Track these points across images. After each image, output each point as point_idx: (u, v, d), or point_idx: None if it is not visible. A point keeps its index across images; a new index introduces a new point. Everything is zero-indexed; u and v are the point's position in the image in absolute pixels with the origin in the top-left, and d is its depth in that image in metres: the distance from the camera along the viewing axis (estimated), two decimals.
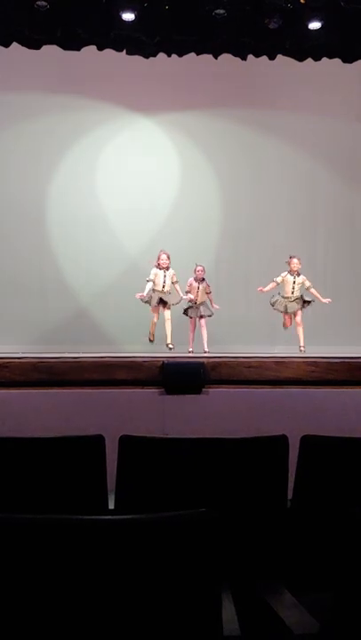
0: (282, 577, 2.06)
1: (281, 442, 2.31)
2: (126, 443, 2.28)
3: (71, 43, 6.51)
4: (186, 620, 1.47)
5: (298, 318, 6.54)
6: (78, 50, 6.58)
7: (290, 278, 6.57)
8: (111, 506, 2.30)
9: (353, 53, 6.83)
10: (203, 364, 4.21)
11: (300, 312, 6.52)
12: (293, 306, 6.54)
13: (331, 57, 6.85)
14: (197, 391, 4.09)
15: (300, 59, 6.82)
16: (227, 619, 1.62)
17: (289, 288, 6.58)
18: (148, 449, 2.33)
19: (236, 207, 7.58)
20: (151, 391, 4.11)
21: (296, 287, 6.52)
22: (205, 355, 5.54)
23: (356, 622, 1.47)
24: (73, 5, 6.00)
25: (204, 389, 4.12)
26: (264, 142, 7.59)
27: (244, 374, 4.23)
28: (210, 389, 4.14)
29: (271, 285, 6.58)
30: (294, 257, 6.65)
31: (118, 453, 2.28)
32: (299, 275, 6.57)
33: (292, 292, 6.55)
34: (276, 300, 6.63)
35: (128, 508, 2.24)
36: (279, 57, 6.72)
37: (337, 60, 6.93)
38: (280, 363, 4.31)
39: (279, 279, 6.56)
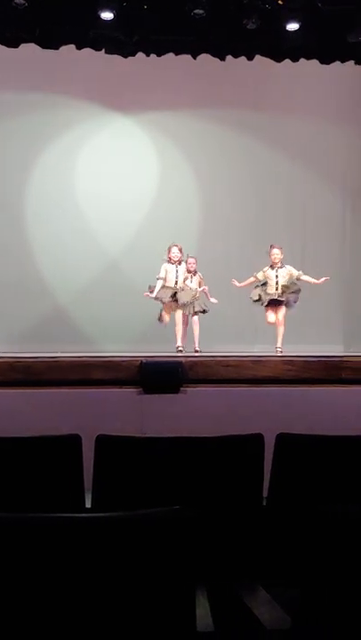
0: (256, 574, 2.09)
1: (257, 440, 2.34)
2: (103, 442, 2.29)
3: (50, 41, 6.48)
4: (160, 616, 1.48)
5: (280, 316, 5.99)
6: (57, 49, 6.56)
7: (271, 273, 5.97)
8: (88, 505, 2.31)
9: (330, 55, 6.90)
10: (181, 363, 4.23)
11: (283, 309, 5.99)
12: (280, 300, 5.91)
13: (308, 58, 6.91)
14: (175, 390, 4.11)
15: (278, 59, 6.86)
16: (201, 615, 1.64)
17: (272, 284, 5.97)
18: (125, 448, 2.34)
19: (215, 207, 7.60)
20: (129, 391, 4.12)
21: (281, 282, 5.92)
22: (185, 354, 5.54)
23: (322, 616, 1.50)
24: (52, 4, 5.97)
25: (182, 389, 4.13)
26: (243, 143, 7.62)
27: (222, 373, 4.26)
28: (188, 388, 4.15)
29: (249, 281, 6.09)
30: (275, 246, 6.02)
31: (95, 453, 2.29)
32: (282, 267, 5.99)
33: (277, 289, 5.95)
34: (260, 296, 6.03)
35: (105, 506, 2.24)
36: (257, 57, 6.76)
37: (315, 61, 7.00)
38: (257, 362, 4.35)
39: (260, 274, 6.01)
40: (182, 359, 4.26)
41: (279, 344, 5.98)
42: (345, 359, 4.59)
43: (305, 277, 6.07)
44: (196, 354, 5.55)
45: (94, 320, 7.23)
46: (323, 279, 6.05)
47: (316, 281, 6.06)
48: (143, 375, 4.12)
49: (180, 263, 5.92)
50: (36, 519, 1.48)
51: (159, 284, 5.92)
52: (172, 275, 5.89)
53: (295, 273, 6.02)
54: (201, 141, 7.62)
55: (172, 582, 1.51)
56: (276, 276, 5.96)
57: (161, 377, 4.11)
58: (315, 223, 7.70)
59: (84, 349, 5.97)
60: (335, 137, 7.65)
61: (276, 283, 5.97)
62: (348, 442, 2.44)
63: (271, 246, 6.06)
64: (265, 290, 6.03)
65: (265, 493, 2.38)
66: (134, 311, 7.12)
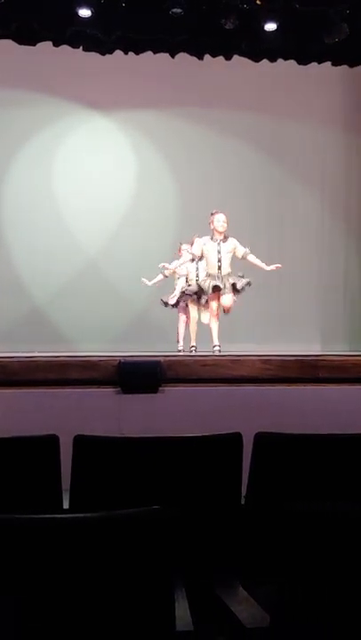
0: (235, 573, 2.09)
1: (235, 439, 2.34)
2: (81, 442, 2.27)
3: (26, 37, 6.43)
4: (139, 616, 1.48)
5: (227, 302, 4.88)
6: (34, 45, 6.51)
7: (212, 246, 4.83)
8: (66, 505, 2.30)
9: (308, 55, 6.94)
10: (159, 362, 4.22)
11: (231, 297, 4.91)
12: (224, 286, 4.75)
13: (286, 58, 6.96)
14: (154, 390, 4.10)
15: (256, 59, 6.89)
16: (180, 614, 1.64)
17: (213, 260, 4.80)
18: (103, 448, 2.33)
19: (193, 206, 7.61)
20: (107, 390, 4.10)
21: (224, 257, 4.80)
22: (164, 353, 5.53)
23: (300, 614, 1.51)
24: None
25: (160, 388, 4.13)
26: (221, 142, 7.65)
27: (200, 373, 4.26)
28: (166, 388, 4.15)
29: (182, 260, 5.05)
30: (217, 212, 4.90)
31: (73, 453, 2.28)
32: (226, 239, 4.87)
33: (219, 267, 4.81)
34: (193, 283, 4.99)
35: (83, 507, 2.23)
36: (235, 57, 6.78)
37: (292, 62, 7.04)
38: (235, 361, 4.36)
39: (197, 249, 4.84)
40: (161, 359, 4.25)
41: (216, 340, 5.05)
42: (321, 358, 4.62)
43: (252, 258, 4.96)
44: (181, 353, 5.58)
45: (72, 320, 7.20)
46: (273, 266, 5.11)
47: (264, 266, 5.06)
48: (121, 375, 4.10)
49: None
50: (13, 520, 1.47)
51: (181, 286, 5.32)
52: (212, 254, 5.01)
53: (241, 251, 4.92)
54: (179, 140, 7.63)
55: (151, 582, 1.51)
56: (219, 252, 4.81)
57: (139, 376, 4.10)
58: (293, 223, 7.76)
59: (62, 349, 5.94)
60: (314, 137, 7.72)
61: (219, 260, 4.82)
62: (325, 440, 2.45)
63: (212, 213, 4.95)
64: (206, 271, 4.87)
65: (243, 492, 2.38)
66: (112, 310, 7.10)
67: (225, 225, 4.91)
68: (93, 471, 2.30)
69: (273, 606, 1.63)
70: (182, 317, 5.81)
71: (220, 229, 4.90)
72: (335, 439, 2.46)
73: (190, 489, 2.31)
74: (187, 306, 5.62)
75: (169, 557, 1.51)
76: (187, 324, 5.68)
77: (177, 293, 5.54)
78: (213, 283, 4.88)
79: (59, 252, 7.34)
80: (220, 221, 4.90)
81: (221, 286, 4.86)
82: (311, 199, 7.84)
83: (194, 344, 5.55)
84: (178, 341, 5.87)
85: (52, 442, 2.29)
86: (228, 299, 4.93)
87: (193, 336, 5.54)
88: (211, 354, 5.08)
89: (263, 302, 6.87)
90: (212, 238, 4.91)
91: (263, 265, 5.12)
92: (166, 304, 5.72)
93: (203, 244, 4.89)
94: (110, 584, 1.49)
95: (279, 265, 5.24)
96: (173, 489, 2.28)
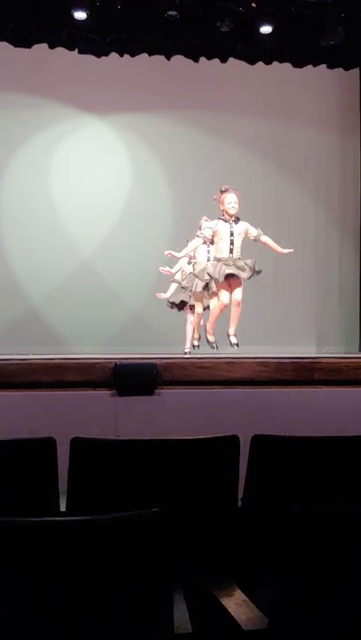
0: (233, 575, 2.09)
1: (232, 442, 2.34)
2: (77, 445, 2.27)
3: (22, 40, 6.44)
4: (138, 618, 1.48)
5: (238, 295, 4.50)
6: (29, 47, 6.51)
7: (223, 227, 4.35)
8: (63, 508, 2.29)
9: (303, 58, 6.97)
10: (155, 365, 4.21)
11: (240, 287, 4.48)
12: (238, 268, 4.29)
13: (281, 61, 6.98)
14: (150, 392, 4.09)
15: (252, 62, 6.91)
16: (178, 616, 1.64)
17: (226, 243, 4.35)
18: (100, 451, 2.33)
19: (187, 208, 7.61)
20: (103, 393, 4.09)
21: (237, 240, 4.38)
22: (159, 355, 5.50)
23: (298, 616, 1.52)
24: (24, 2, 5.93)
25: (156, 390, 4.12)
26: (216, 144, 7.66)
27: (197, 375, 4.25)
28: (162, 390, 4.14)
29: (193, 245, 4.53)
30: (228, 189, 4.39)
31: (70, 456, 2.27)
32: (238, 221, 4.44)
33: (231, 251, 4.34)
34: (203, 269, 4.52)
35: (80, 509, 2.23)
36: (231, 60, 6.80)
37: (287, 65, 7.06)
38: (231, 363, 4.35)
39: (208, 232, 4.37)
40: (157, 361, 4.24)
41: (233, 330, 4.71)
42: (317, 360, 4.62)
43: (266, 239, 4.56)
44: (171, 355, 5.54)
45: (68, 322, 7.20)
46: (287, 250, 4.78)
47: (280, 249, 4.74)
48: (117, 377, 4.09)
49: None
50: (10, 523, 1.47)
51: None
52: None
53: (254, 232, 4.51)
54: (174, 143, 7.64)
55: (149, 585, 1.51)
56: (232, 234, 4.34)
57: (135, 379, 4.09)
58: (288, 223, 7.76)
59: (57, 351, 5.93)
60: (309, 139, 7.74)
61: (232, 243, 4.35)
62: (322, 443, 2.46)
63: (222, 191, 4.42)
64: (216, 257, 4.43)
65: (240, 495, 2.38)
66: (108, 313, 7.10)
67: (236, 206, 4.41)
68: (90, 474, 2.30)
69: (271, 608, 1.63)
70: (190, 318, 5.49)
71: (232, 212, 4.38)
72: (332, 441, 2.46)
73: (187, 491, 2.31)
74: (192, 307, 5.35)
75: (166, 560, 1.51)
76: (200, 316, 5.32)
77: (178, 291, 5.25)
78: (227, 270, 4.39)
79: (55, 254, 7.34)
80: (231, 202, 4.39)
81: (235, 272, 4.39)
82: (306, 201, 7.85)
83: (197, 343, 5.25)
84: (186, 344, 5.57)
85: (48, 444, 2.29)
86: (238, 293, 4.51)
87: (196, 334, 5.24)
88: (207, 356, 5.08)
89: (259, 304, 6.88)
90: (222, 219, 4.42)
91: (277, 247, 4.78)
92: (173, 305, 5.42)
93: (214, 226, 4.43)
94: (108, 587, 1.48)
95: (291, 250, 4.91)
96: (170, 491, 2.28)
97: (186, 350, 5.55)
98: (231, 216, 4.48)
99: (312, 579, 1.57)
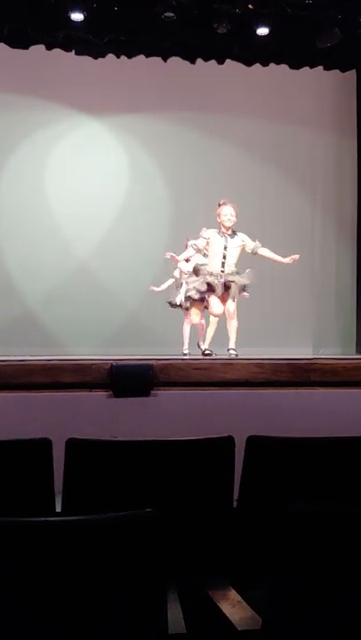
0: (227, 575, 2.10)
1: (227, 443, 2.35)
2: (73, 446, 2.27)
3: (19, 41, 6.44)
4: (132, 618, 1.48)
5: (231, 307, 4.54)
6: (26, 48, 6.52)
7: (218, 240, 4.31)
8: (58, 509, 2.30)
9: (300, 60, 6.99)
10: (152, 366, 4.21)
11: (233, 300, 4.53)
12: (231, 284, 4.28)
13: (278, 63, 7.00)
14: (146, 394, 4.10)
15: (249, 64, 6.93)
16: (172, 617, 1.64)
17: (218, 257, 4.31)
18: (96, 452, 2.33)
19: (185, 210, 7.63)
20: (99, 394, 4.09)
21: (231, 254, 4.35)
22: (156, 356, 5.51)
23: (292, 616, 1.52)
24: (21, 3, 5.94)
25: (152, 392, 4.12)
26: (213, 145, 7.66)
27: (193, 376, 4.25)
28: (159, 391, 4.15)
29: (186, 254, 4.46)
30: (226, 202, 4.36)
31: (65, 457, 2.28)
32: (235, 234, 4.41)
33: (223, 265, 4.32)
34: (198, 281, 4.37)
35: (75, 510, 2.23)
36: (228, 61, 6.81)
37: (284, 66, 7.08)
38: (227, 364, 4.36)
39: (202, 242, 4.35)
40: (153, 362, 4.25)
41: (232, 344, 4.80)
42: (313, 362, 4.63)
43: (264, 251, 4.48)
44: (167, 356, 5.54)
45: (64, 323, 7.19)
46: (290, 258, 4.65)
47: (282, 259, 4.66)
48: (113, 378, 4.10)
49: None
50: (5, 523, 1.47)
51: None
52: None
53: (251, 245, 4.47)
54: (171, 144, 7.64)
55: (144, 585, 1.51)
56: (225, 248, 4.33)
57: (131, 380, 4.10)
58: (285, 226, 7.77)
59: (54, 352, 5.93)
60: (305, 141, 7.75)
61: (224, 257, 4.35)
62: (317, 444, 2.46)
63: (220, 204, 4.39)
64: (208, 270, 4.37)
65: (236, 496, 2.39)
66: (105, 314, 7.10)
67: (233, 219, 4.40)
68: (86, 474, 2.30)
69: (265, 609, 1.63)
70: (188, 319, 5.40)
71: (228, 224, 4.36)
72: (328, 442, 2.47)
73: (183, 492, 2.32)
74: (188, 309, 5.33)
75: (161, 560, 1.52)
76: (200, 326, 5.28)
77: (183, 292, 5.07)
78: (209, 280, 4.44)
79: (51, 255, 7.34)
80: (227, 215, 4.39)
81: (217, 288, 4.38)
82: (303, 202, 7.86)
83: (207, 347, 5.07)
84: (184, 345, 5.44)
85: (44, 445, 2.29)
86: (231, 305, 4.54)
87: (202, 342, 5.10)
88: (203, 357, 5.09)
89: (256, 306, 6.88)
90: (218, 232, 4.40)
91: (278, 257, 4.69)
92: (174, 305, 5.25)
93: (208, 237, 4.41)
94: (102, 587, 1.49)
95: (296, 256, 4.77)
96: (166, 492, 2.29)
97: (185, 351, 5.50)
98: (228, 228, 4.45)
99: (306, 579, 1.58)
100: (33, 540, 1.46)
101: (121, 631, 1.48)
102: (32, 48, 6.53)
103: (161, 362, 4.36)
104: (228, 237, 4.46)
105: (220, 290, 4.42)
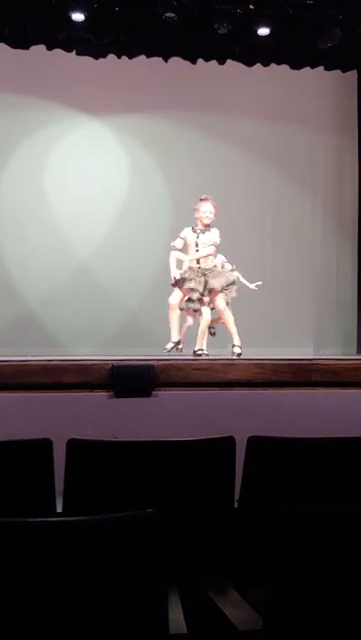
0: (228, 576, 2.10)
1: (228, 443, 2.35)
2: (74, 446, 2.27)
3: (20, 41, 6.44)
4: (133, 619, 1.48)
5: (220, 304, 4.52)
6: (27, 48, 6.52)
7: (190, 237, 4.33)
8: (59, 509, 2.30)
9: (300, 60, 6.99)
10: (152, 366, 4.22)
11: (221, 295, 4.53)
12: (211, 282, 4.27)
13: (279, 63, 7.00)
14: (147, 394, 4.10)
15: (250, 64, 6.93)
16: (173, 617, 1.64)
17: (193, 254, 4.37)
18: (96, 452, 2.33)
19: (185, 210, 7.61)
20: (100, 394, 4.10)
21: (202, 250, 4.35)
22: (156, 357, 5.50)
23: (292, 617, 1.52)
24: (22, 3, 5.94)
25: (153, 392, 4.12)
26: (213, 146, 7.65)
27: (194, 377, 4.26)
28: (159, 392, 4.15)
29: (172, 257, 4.43)
30: (208, 199, 4.37)
31: (66, 457, 2.28)
32: (209, 228, 4.32)
33: (198, 261, 4.32)
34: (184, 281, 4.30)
35: (76, 510, 2.23)
36: (228, 61, 6.81)
37: (285, 66, 7.08)
38: (228, 365, 4.36)
39: (179, 242, 4.35)
40: (154, 362, 4.25)
41: (236, 341, 4.77)
42: (314, 362, 4.63)
43: (239, 278, 4.44)
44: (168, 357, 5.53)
45: (65, 323, 7.19)
46: (255, 285, 4.77)
47: (248, 284, 4.75)
48: (114, 379, 4.10)
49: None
50: (6, 524, 1.47)
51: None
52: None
53: (216, 240, 4.39)
54: (172, 145, 7.63)
55: (144, 585, 1.51)
56: (197, 244, 4.33)
57: (132, 380, 4.10)
58: (286, 227, 7.77)
59: (55, 353, 5.93)
60: (306, 141, 7.74)
61: (197, 252, 4.34)
62: (318, 444, 2.46)
63: (201, 199, 4.43)
64: (189, 267, 4.38)
65: (236, 496, 2.39)
66: (106, 314, 7.10)
67: (211, 216, 4.41)
68: (87, 475, 2.30)
69: (265, 609, 1.63)
70: (189, 320, 5.25)
71: (206, 221, 4.39)
72: (328, 443, 2.47)
73: (184, 492, 2.32)
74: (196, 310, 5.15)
75: (162, 561, 1.52)
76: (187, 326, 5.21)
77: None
78: (188, 285, 4.49)
79: (51, 255, 7.33)
80: (206, 212, 4.42)
81: (195, 293, 4.42)
82: (304, 202, 7.86)
83: (202, 347, 5.02)
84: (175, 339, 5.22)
85: (45, 446, 2.29)
86: (220, 299, 4.53)
87: (198, 341, 5.03)
88: (204, 357, 5.08)
89: (256, 306, 6.88)
90: (193, 228, 4.43)
91: (247, 283, 4.85)
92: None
93: (184, 237, 4.46)
94: (103, 587, 1.49)
95: (259, 283, 4.99)
96: (167, 492, 2.29)
97: (175, 345, 5.37)
98: (206, 225, 4.45)
99: (307, 579, 1.58)
100: (34, 541, 1.46)
101: (122, 631, 1.48)
102: (32, 48, 6.53)
103: (162, 362, 4.36)
104: (200, 233, 4.49)
105: (202, 300, 4.53)
